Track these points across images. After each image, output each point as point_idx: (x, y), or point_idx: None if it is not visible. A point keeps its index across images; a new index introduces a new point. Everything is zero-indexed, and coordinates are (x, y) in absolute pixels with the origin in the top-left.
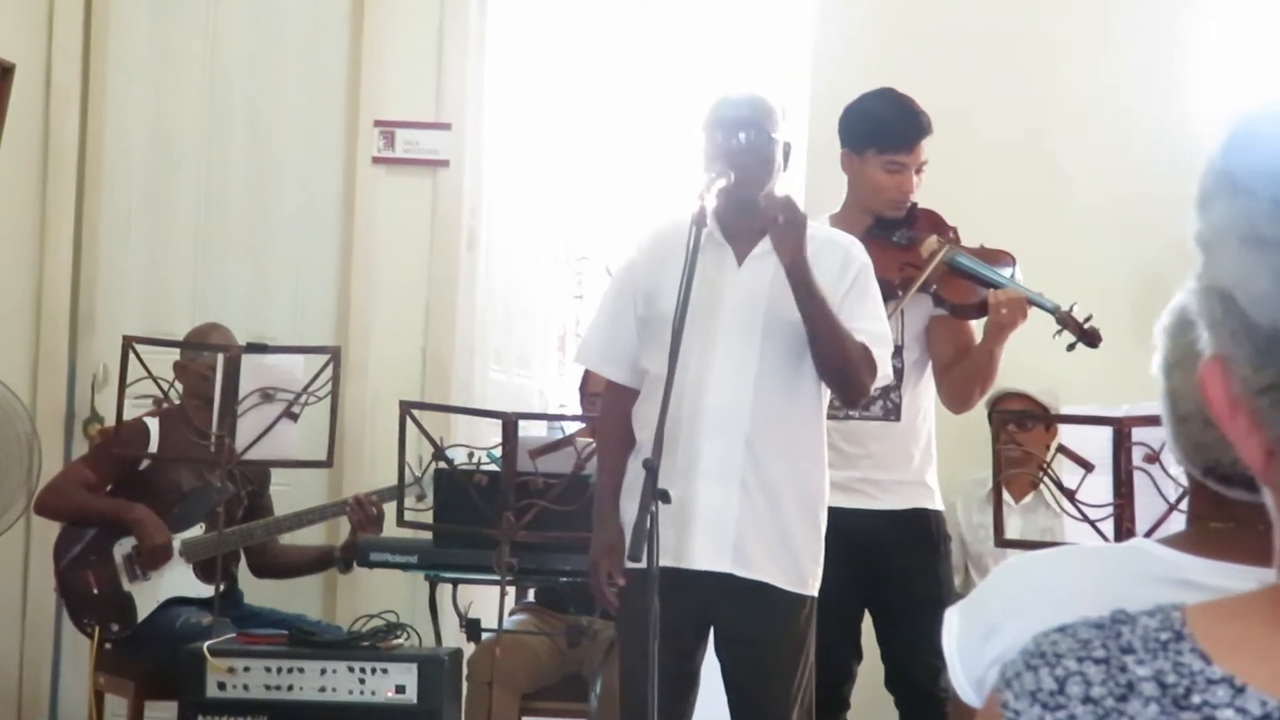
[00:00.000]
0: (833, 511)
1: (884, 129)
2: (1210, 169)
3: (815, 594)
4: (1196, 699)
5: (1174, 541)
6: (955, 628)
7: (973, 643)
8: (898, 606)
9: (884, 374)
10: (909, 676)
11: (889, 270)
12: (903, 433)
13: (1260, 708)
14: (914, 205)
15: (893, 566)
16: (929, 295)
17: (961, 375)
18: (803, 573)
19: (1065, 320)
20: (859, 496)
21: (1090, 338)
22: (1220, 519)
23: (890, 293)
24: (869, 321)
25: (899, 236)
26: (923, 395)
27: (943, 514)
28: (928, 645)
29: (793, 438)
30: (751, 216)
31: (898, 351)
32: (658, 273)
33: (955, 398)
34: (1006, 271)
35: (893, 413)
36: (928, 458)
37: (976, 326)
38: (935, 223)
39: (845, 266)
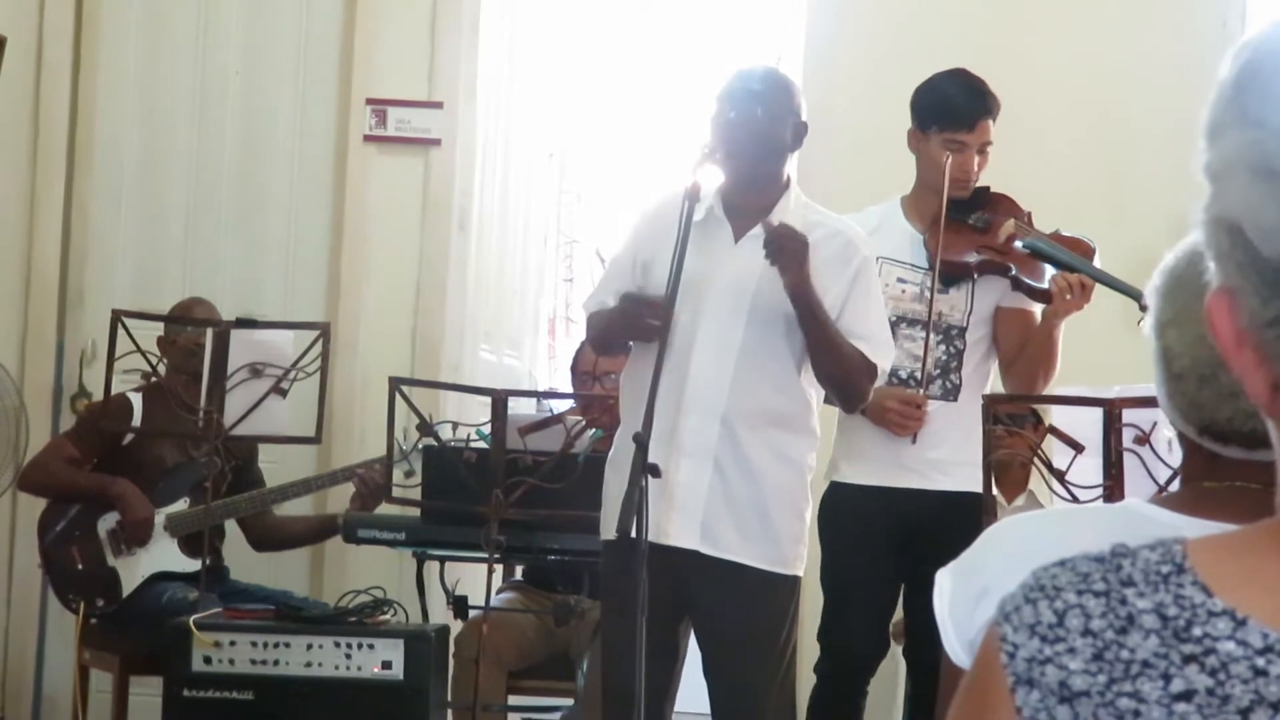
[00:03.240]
0: (887, 491)
1: (947, 107)
2: (1220, 99)
3: (798, 574)
4: (1197, 631)
5: (1167, 502)
6: (947, 590)
7: (965, 605)
8: (932, 583)
9: (884, 366)
10: (928, 653)
11: (964, 251)
12: (960, 413)
13: (1262, 640)
14: (987, 189)
15: (939, 546)
16: (1005, 279)
17: (1027, 364)
18: (783, 553)
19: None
20: (914, 476)
21: None
22: (1215, 479)
23: (966, 274)
24: (872, 324)
25: (975, 219)
26: (982, 376)
27: (995, 498)
28: None
29: (774, 419)
30: (752, 195)
31: (960, 332)
32: (657, 242)
33: (1021, 387)
34: (1086, 260)
35: (952, 393)
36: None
37: (1040, 313)
38: (1010, 206)
39: (846, 258)
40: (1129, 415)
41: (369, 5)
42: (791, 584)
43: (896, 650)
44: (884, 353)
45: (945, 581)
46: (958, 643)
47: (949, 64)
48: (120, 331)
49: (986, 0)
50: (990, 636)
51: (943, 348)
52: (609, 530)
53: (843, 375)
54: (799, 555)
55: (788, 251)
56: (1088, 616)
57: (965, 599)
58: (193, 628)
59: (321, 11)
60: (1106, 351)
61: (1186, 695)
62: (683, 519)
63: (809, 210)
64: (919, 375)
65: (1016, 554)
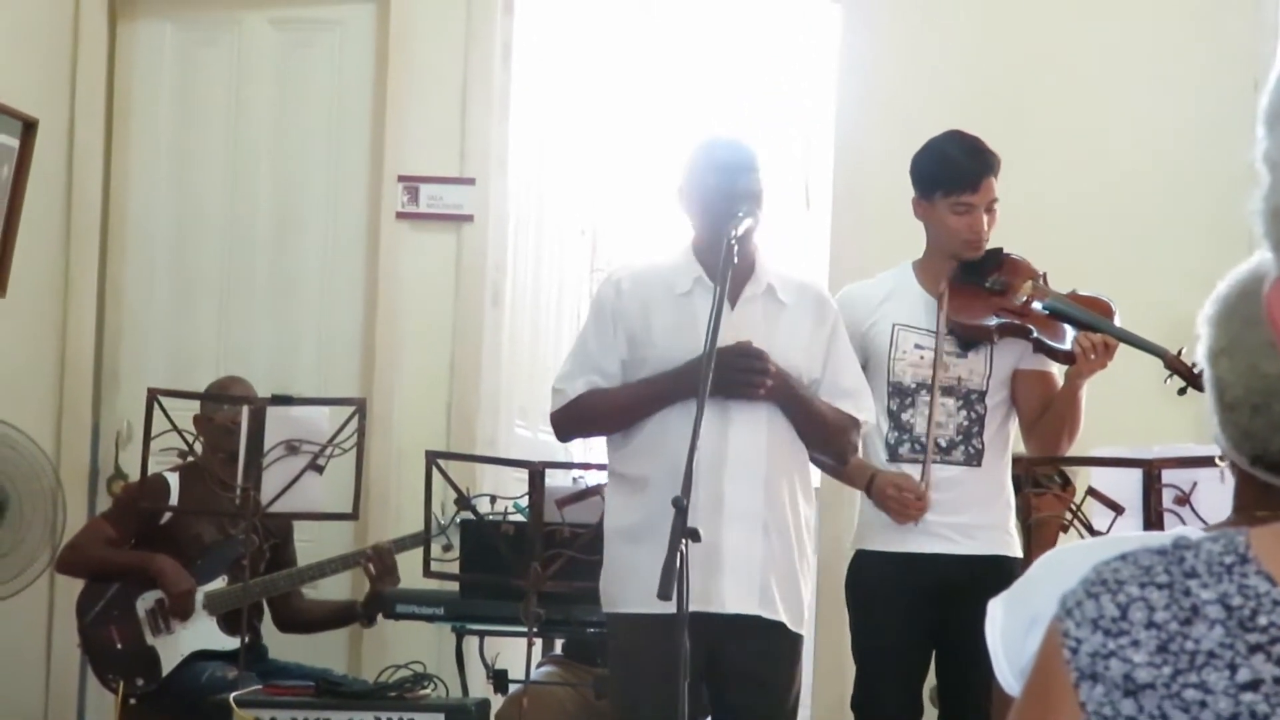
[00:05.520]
0: (914, 557)
1: (947, 171)
2: (1279, 87)
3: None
4: (1263, 620)
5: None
6: (999, 618)
7: (1016, 634)
8: (965, 651)
9: (869, 419)
10: (961, 717)
11: (983, 314)
12: (984, 478)
13: None
14: (1000, 250)
15: (967, 611)
16: (1026, 341)
17: (1051, 426)
18: (803, 611)
19: (1174, 365)
20: (941, 541)
21: (1199, 382)
22: (1267, 508)
23: (985, 337)
24: (852, 379)
25: (992, 282)
26: (1003, 440)
27: (1022, 561)
28: (986, 690)
29: (795, 478)
30: (741, 259)
31: (980, 396)
32: (645, 317)
33: (1045, 449)
34: (1107, 319)
35: (975, 458)
36: (1008, 503)
37: (1059, 374)
38: (1025, 268)
39: (822, 316)
40: (1169, 476)
41: (399, 82)
42: (801, 642)
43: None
44: (867, 405)
45: (997, 610)
46: (1009, 670)
47: (978, 127)
48: (156, 410)
49: (1014, 64)
50: (1051, 633)
51: (963, 413)
52: (635, 604)
53: (829, 442)
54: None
55: (755, 374)
56: (1151, 609)
57: (1017, 627)
58: (233, 705)
59: (352, 89)
60: (1145, 413)
61: (1253, 685)
62: (739, 584)
63: (779, 268)
64: (941, 442)
65: (1068, 583)
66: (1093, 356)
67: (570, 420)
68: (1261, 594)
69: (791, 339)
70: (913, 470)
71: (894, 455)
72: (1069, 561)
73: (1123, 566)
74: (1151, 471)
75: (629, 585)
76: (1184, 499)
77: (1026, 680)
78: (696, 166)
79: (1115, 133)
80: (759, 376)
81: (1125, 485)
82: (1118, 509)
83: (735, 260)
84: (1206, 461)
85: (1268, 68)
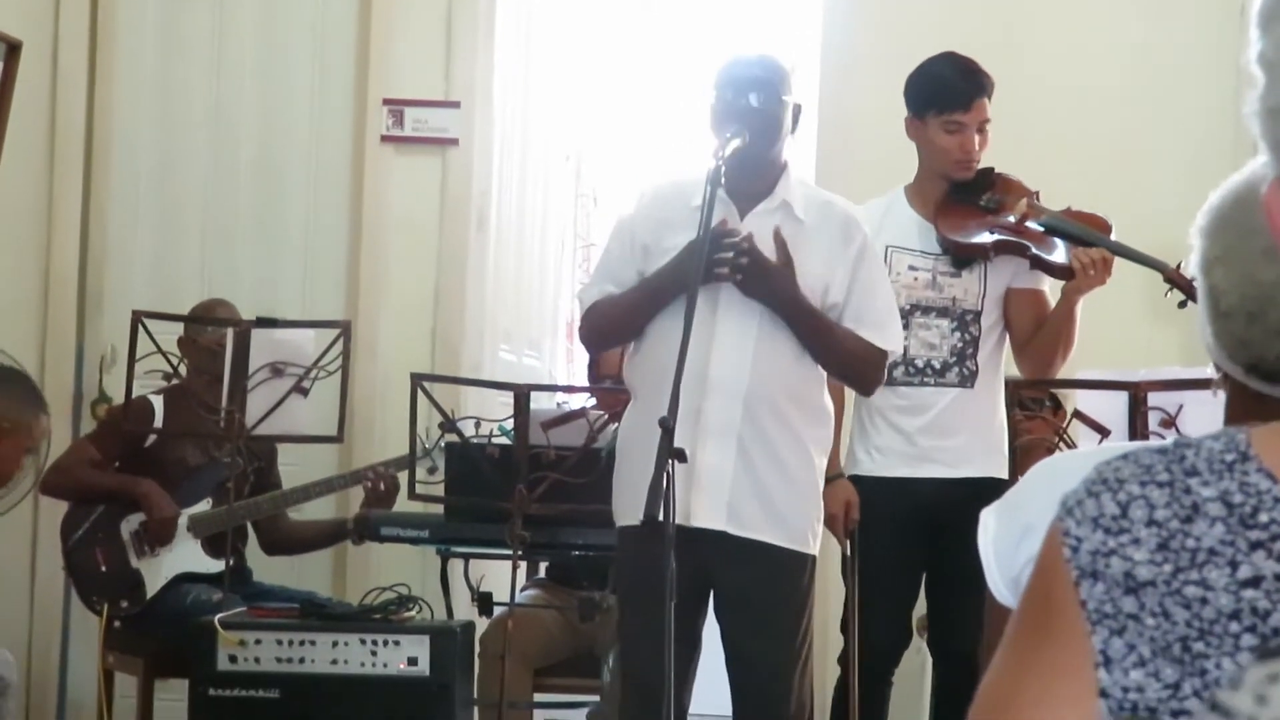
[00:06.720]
0: (905, 480)
1: (940, 90)
2: None
3: (815, 553)
4: (1264, 517)
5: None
6: (991, 527)
7: (1008, 543)
8: (955, 572)
9: (895, 350)
10: (952, 641)
11: (978, 232)
12: (977, 400)
13: None
14: (992, 170)
15: (960, 535)
16: (1023, 258)
17: (1045, 342)
18: (803, 531)
19: (1174, 278)
20: (933, 465)
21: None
22: (1260, 419)
23: (981, 254)
24: (879, 307)
25: (986, 200)
26: (997, 361)
27: (1009, 484)
28: (976, 615)
29: (792, 398)
30: (755, 178)
31: (975, 317)
32: (660, 232)
33: (1038, 366)
34: (1103, 234)
35: (969, 380)
36: (1000, 426)
37: (1050, 293)
38: (1017, 186)
39: (849, 236)
40: (1155, 398)
41: (384, 5)
42: (811, 563)
43: (923, 642)
44: (893, 336)
45: (990, 520)
46: (1001, 580)
47: (965, 50)
48: (141, 333)
49: None
50: (1052, 533)
51: (958, 334)
52: (626, 516)
53: (845, 368)
54: (817, 534)
55: (750, 271)
56: (1152, 507)
57: (1009, 536)
58: (218, 626)
59: (337, 12)
60: (1130, 336)
61: (1254, 581)
62: (709, 500)
63: (806, 188)
64: (936, 364)
65: (1062, 489)
66: (1092, 272)
67: (589, 329)
68: (1263, 491)
69: (807, 257)
70: (908, 393)
71: (889, 378)
72: (1062, 469)
73: (1123, 465)
74: (1137, 394)
75: (619, 498)
76: (1170, 422)
77: (1028, 582)
78: (714, 83)
79: (1105, 55)
80: (733, 249)
81: (1111, 408)
82: (1103, 432)
83: (722, 181)
84: (1192, 384)
85: None
